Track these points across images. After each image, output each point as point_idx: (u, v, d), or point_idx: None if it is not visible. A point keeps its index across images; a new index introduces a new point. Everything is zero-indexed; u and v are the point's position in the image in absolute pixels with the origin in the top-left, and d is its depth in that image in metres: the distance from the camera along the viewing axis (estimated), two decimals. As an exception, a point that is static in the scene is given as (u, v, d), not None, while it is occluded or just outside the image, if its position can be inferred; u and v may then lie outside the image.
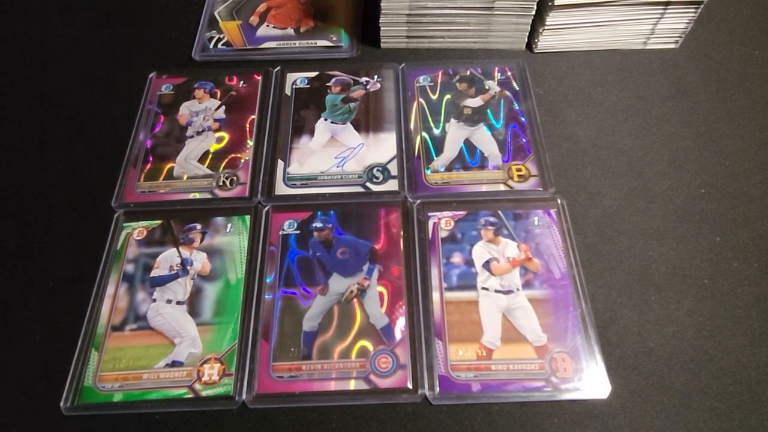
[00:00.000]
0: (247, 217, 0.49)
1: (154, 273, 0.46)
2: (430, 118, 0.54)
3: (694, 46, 0.60)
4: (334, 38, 0.61)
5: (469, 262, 0.46)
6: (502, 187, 0.50)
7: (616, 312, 0.44)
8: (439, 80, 0.57)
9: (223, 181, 0.51)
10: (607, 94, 0.57)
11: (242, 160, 0.52)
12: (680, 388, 0.41)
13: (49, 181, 0.53)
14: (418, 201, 0.49)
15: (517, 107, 0.55)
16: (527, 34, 0.59)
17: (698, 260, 0.47)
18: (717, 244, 0.47)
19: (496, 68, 0.58)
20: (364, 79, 0.57)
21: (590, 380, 0.41)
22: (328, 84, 0.57)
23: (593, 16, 0.56)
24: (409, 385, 0.41)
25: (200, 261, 0.47)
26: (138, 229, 0.49)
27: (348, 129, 0.54)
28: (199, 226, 0.48)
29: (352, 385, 0.41)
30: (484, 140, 0.53)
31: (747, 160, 0.52)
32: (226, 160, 0.52)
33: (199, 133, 0.54)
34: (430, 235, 0.47)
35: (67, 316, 0.45)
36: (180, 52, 0.61)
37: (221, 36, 0.62)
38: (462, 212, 0.49)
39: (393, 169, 0.51)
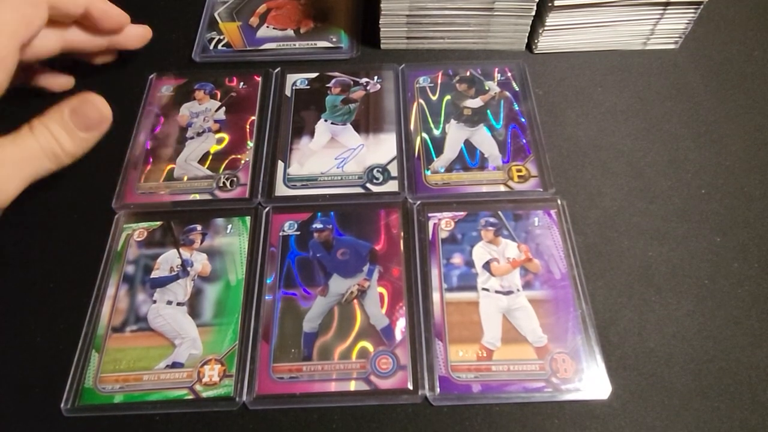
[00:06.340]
0: (248, 218, 0.49)
1: (154, 274, 0.46)
2: (430, 119, 0.54)
3: (694, 47, 0.60)
4: (334, 39, 0.61)
5: (470, 263, 0.46)
6: (502, 188, 0.50)
7: (617, 312, 0.44)
8: (439, 81, 0.57)
9: (224, 183, 0.51)
10: (607, 94, 0.57)
11: (242, 162, 0.52)
12: (680, 388, 0.41)
13: (49, 182, 0.52)
14: (418, 202, 0.49)
15: (517, 108, 0.55)
16: (527, 34, 0.59)
17: (698, 260, 0.47)
18: (717, 244, 0.47)
19: (496, 69, 0.58)
20: (364, 80, 0.57)
21: (591, 381, 0.41)
22: (328, 85, 0.57)
23: (593, 16, 0.56)
24: (410, 386, 0.41)
25: (200, 262, 0.47)
26: (138, 231, 0.49)
27: (348, 130, 0.54)
28: (199, 227, 0.48)
29: (353, 386, 0.41)
30: (484, 141, 0.53)
31: (747, 160, 0.52)
32: (227, 162, 0.52)
33: (199, 135, 0.54)
34: (430, 236, 0.47)
35: (68, 317, 0.45)
36: (180, 54, 0.61)
37: (221, 37, 0.62)
38: (462, 213, 0.49)
39: (393, 169, 0.51)
